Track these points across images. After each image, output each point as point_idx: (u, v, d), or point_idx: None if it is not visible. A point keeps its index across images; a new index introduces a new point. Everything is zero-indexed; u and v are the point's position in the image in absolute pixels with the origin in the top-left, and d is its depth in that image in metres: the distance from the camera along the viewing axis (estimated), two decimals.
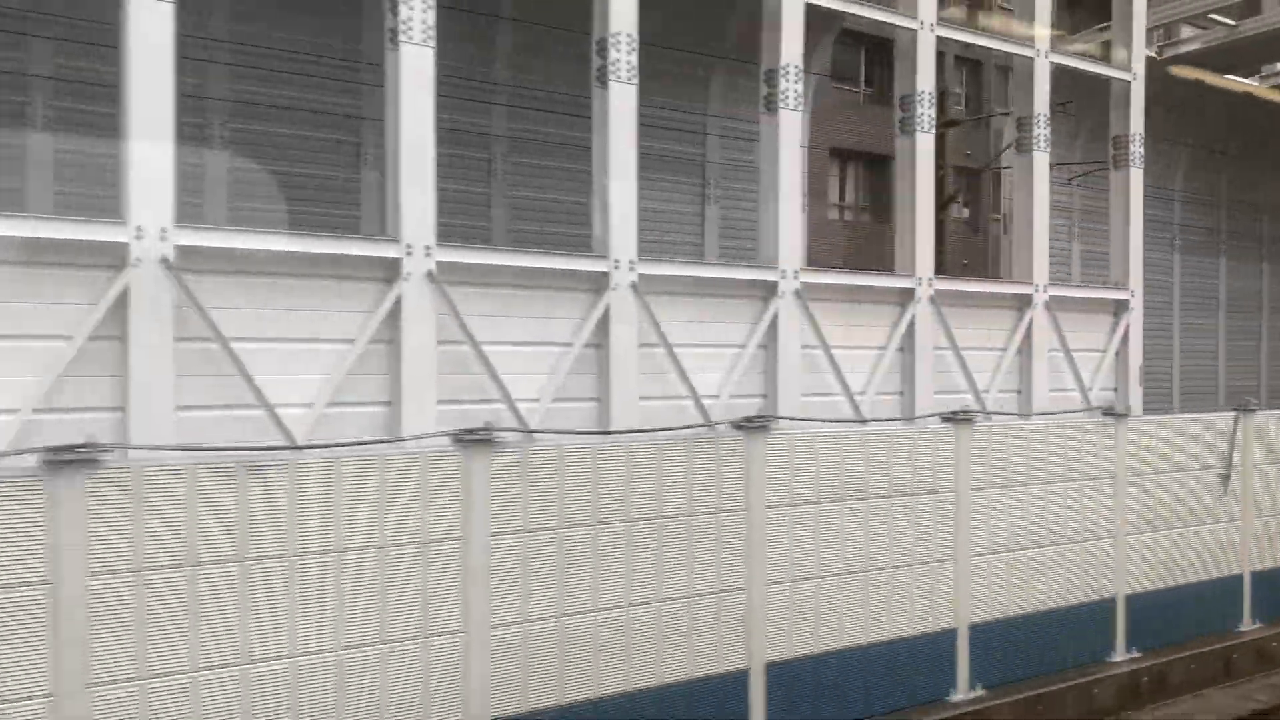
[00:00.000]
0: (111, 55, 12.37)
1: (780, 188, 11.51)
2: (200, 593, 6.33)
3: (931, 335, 12.61)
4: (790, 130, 11.52)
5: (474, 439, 7.07)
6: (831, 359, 11.84)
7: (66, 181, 12.79)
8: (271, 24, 13.92)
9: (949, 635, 10.22)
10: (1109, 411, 11.99)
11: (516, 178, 15.69)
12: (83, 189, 12.65)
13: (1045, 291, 13.71)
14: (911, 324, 12.45)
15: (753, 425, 8.50)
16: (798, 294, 11.56)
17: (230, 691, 6.51)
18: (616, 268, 10.39)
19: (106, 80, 12.71)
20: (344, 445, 7.19)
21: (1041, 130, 13.52)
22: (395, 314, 9.26)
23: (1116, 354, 14.70)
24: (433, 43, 9.33)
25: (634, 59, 10.35)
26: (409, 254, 9.28)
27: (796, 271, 11.58)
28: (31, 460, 5.97)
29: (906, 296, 12.49)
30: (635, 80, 10.38)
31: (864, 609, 9.70)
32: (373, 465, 6.86)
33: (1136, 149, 14.72)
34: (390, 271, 9.28)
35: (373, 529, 6.96)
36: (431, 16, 9.30)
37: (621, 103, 10.35)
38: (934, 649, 10.07)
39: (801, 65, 11.51)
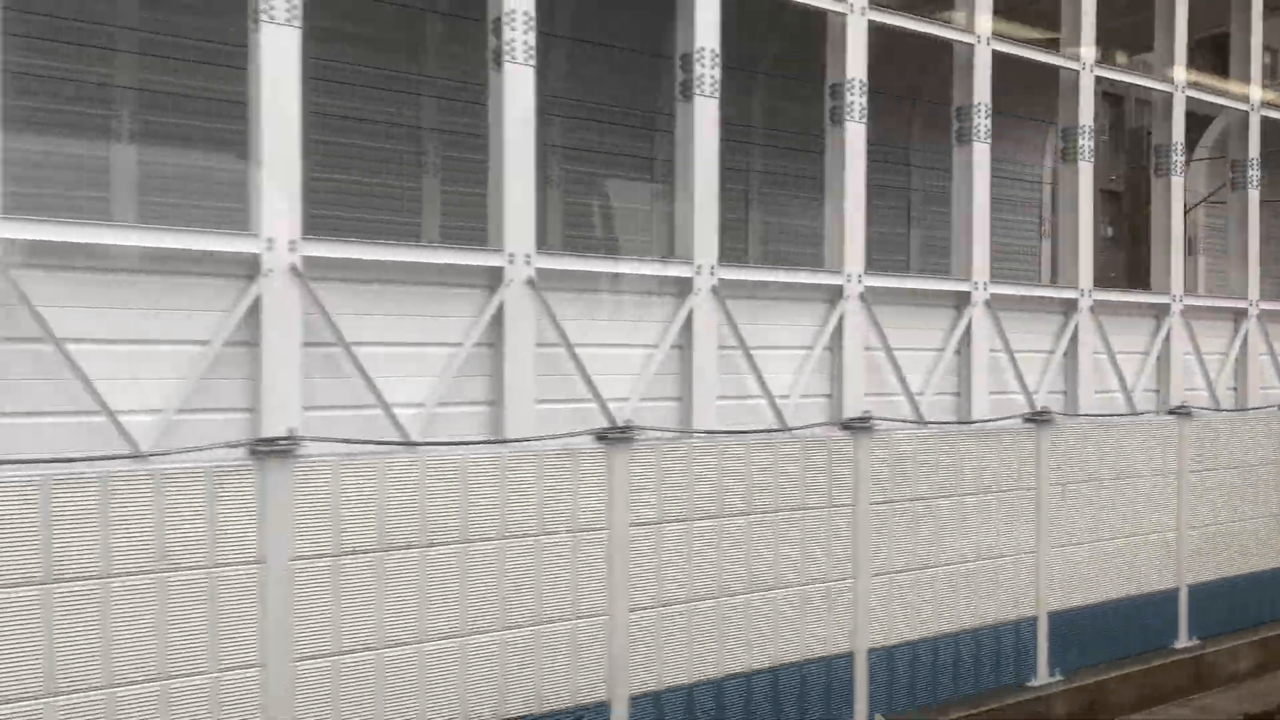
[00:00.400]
0: (193, 70, 13.06)
1: (845, 196, 12.04)
2: (387, 575, 6.83)
3: (987, 337, 13.13)
4: (855, 142, 12.03)
5: (616, 436, 7.57)
6: (893, 360, 12.34)
7: (150, 192, 13.28)
8: (343, 42, 14.41)
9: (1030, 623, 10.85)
10: None
11: (573, 186, 16.22)
12: (166, 200, 13.16)
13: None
14: (969, 327, 12.98)
15: (858, 426, 9.01)
16: (862, 297, 12.08)
17: (410, 667, 7.00)
18: (699, 273, 10.89)
19: (186, 93, 13.28)
20: (503, 443, 7.65)
21: (1087, 141, 14.10)
22: (499, 318, 9.74)
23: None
24: (533, 63, 9.82)
25: (717, 74, 10.86)
26: (511, 262, 9.77)
27: (860, 275, 12.10)
28: (240, 452, 6.44)
29: (963, 300, 13.03)
30: (718, 94, 10.89)
31: (952, 600, 10.24)
32: (531, 461, 7.36)
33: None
34: (493, 279, 9.76)
35: (531, 518, 7.46)
36: (532, 38, 9.78)
37: (704, 116, 10.85)
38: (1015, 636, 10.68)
39: (865, 80, 12.03)
